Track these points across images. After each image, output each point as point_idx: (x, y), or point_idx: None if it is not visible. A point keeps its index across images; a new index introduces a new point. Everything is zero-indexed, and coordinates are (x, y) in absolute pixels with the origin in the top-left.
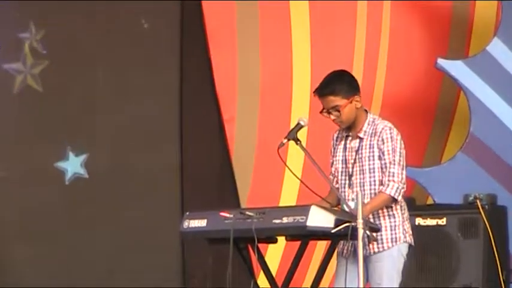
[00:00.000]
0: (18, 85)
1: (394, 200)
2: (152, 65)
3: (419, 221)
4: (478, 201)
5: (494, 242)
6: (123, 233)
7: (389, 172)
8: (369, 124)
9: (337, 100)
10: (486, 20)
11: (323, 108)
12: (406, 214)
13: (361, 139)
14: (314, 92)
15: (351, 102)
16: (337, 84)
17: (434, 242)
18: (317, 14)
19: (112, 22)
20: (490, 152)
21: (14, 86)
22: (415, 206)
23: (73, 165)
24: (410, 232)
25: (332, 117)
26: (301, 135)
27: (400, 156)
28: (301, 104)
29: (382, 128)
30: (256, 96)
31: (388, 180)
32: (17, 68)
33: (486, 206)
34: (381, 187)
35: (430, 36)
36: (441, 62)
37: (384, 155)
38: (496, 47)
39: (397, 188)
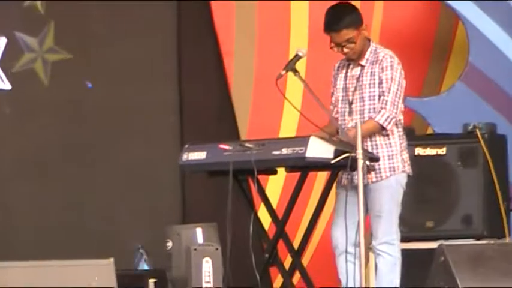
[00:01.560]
0: (22, 64)
1: (383, 128)
2: (149, 1)
3: (418, 150)
4: (477, 130)
5: (494, 171)
6: (122, 170)
7: (382, 100)
8: (371, 52)
9: (350, 32)
10: None
11: (331, 43)
12: (405, 144)
13: (362, 67)
14: (325, 30)
15: (360, 32)
16: (347, 16)
17: (434, 171)
18: None
19: None
20: (488, 81)
21: (16, 63)
22: (415, 136)
23: None
24: (409, 162)
25: (345, 50)
26: (300, 66)
27: (398, 85)
28: (300, 35)
29: (383, 56)
30: (254, 28)
31: (381, 108)
32: (29, 44)
33: (485, 135)
34: (373, 114)
35: None
36: None
37: (381, 82)
38: None
39: (388, 116)
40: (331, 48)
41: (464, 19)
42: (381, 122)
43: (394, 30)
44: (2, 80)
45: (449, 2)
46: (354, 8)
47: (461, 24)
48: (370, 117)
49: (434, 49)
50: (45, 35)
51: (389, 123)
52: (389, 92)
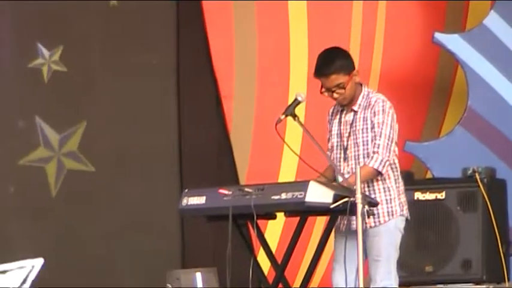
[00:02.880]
0: (33, 160)
1: (379, 173)
2: (149, 43)
3: (418, 195)
4: (476, 174)
5: (494, 215)
6: (122, 213)
7: (374, 144)
8: (363, 97)
9: (340, 78)
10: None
11: (322, 88)
12: (402, 187)
13: (355, 112)
14: (315, 74)
15: (351, 77)
16: (337, 61)
17: (433, 216)
18: None
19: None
20: (488, 125)
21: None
22: (414, 180)
23: None
24: (407, 206)
25: (335, 95)
26: (299, 111)
27: (390, 128)
28: (299, 80)
29: (375, 101)
30: (253, 72)
31: (373, 152)
32: (48, 138)
33: (485, 180)
34: (366, 159)
35: (427, 10)
36: (438, 36)
37: (373, 127)
38: (492, 21)
39: (381, 160)
40: (321, 93)
41: (463, 63)
42: (375, 166)
43: (393, 73)
44: None
45: (448, 46)
46: (345, 53)
47: (461, 68)
48: (364, 163)
49: (434, 93)
50: (71, 135)
51: (383, 166)
52: (380, 136)
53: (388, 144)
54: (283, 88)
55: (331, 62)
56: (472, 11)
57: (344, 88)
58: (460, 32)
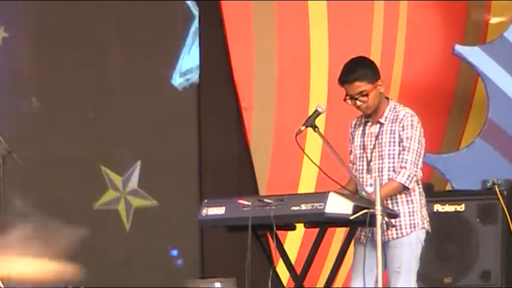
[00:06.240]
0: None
1: (405, 188)
2: (169, 55)
3: (437, 207)
4: (496, 186)
5: None
6: (142, 222)
7: (402, 158)
8: (390, 110)
9: (363, 85)
10: (503, 5)
11: (346, 95)
12: (424, 200)
13: (381, 124)
14: (339, 80)
15: (375, 87)
16: (361, 69)
17: (452, 228)
18: (335, 0)
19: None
20: (508, 137)
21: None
22: (434, 192)
23: None
24: (428, 219)
25: (358, 103)
26: (320, 122)
27: (418, 144)
28: (319, 91)
29: (404, 115)
30: (273, 83)
31: (400, 167)
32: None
33: (504, 192)
34: (393, 174)
35: (447, 22)
36: (458, 48)
37: (402, 141)
38: None
39: (409, 175)
40: (344, 100)
41: (483, 75)
42: (402, 181)
43: (413, 85)
44: None
45: (468, 58)
46: (370, 63)
47: (481, 80)
48: (391, 179)
49: (454, 105)
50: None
51: (410, 182)
52: (409, 151)
53: (416, 159)
54: (303, 99)
55: (354, 69)
56: (492, 23)
57: (367, 96)
58: (480, 44)
